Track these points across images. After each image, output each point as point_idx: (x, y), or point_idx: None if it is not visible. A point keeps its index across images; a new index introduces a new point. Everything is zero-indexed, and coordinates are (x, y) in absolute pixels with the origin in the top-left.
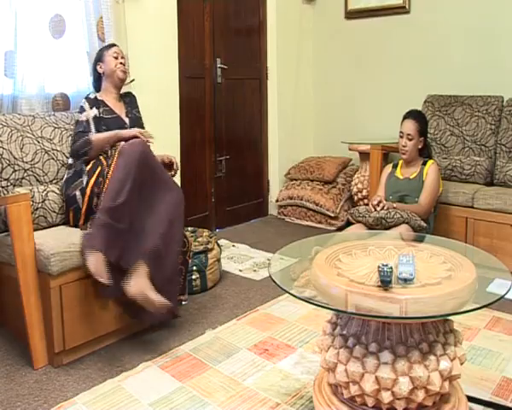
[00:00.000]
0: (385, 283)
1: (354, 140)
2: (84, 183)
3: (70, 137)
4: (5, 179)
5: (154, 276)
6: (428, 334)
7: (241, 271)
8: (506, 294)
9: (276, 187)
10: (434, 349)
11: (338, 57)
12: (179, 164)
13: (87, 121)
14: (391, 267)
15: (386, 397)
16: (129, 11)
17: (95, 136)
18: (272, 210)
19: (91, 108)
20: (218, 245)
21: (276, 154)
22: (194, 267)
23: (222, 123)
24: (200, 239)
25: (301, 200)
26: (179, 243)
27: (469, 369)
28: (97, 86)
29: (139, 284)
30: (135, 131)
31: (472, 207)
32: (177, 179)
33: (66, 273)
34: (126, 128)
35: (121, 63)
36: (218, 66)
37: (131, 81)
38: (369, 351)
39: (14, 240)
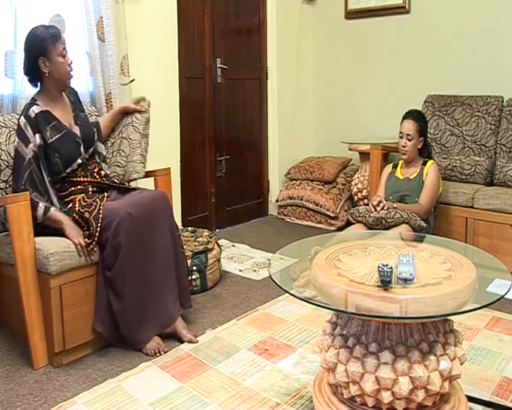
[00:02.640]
0: (385, 283)
1: (354, 140)
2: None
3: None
4: (3, 181)
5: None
6: (428, 334)
7: (241, 271)
8: (506, 294)
9: (276, 187)
10: (434, 349)
11: (338, 57)
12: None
13: (35, 157)
14: (391, 267)
15: (386, 397)
16: (129, 11)
17: (53, 214)
18: (272, 210)
19: (34, 134)
20: (218, 245)
21: (276, 154)
22: (194, 267)
23: (222, 123)
24: (200, 239)
25: (301, 200)
26: (183, 253)
27: (469, 369)
28: (34, 82)
29: (156, 341)
30: (76, 239)
31: (472, 207)
32: (178, 179)
33: (66, 273)
34: (79, 142)
35: (70, 64)
36: (218, 66)
37: (131, 81)
38: (369, 351)
39: (14, 240)
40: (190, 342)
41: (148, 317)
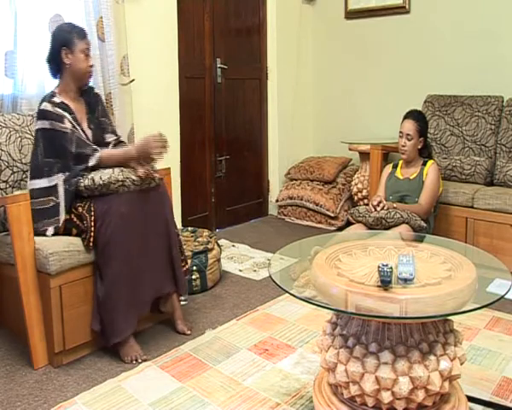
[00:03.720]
0: (385, 283)
1: (354, 140)
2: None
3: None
4: (4, 181)
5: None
6: (428, 334)
7: (241, 271)
8: (506, 294)
9: (276, 187)
10: (434, 349)
11: (338, 57)
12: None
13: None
14: (391, 267)
15: (386, 397)
16: (129, 11)
17: (105, 153)
18: (272, 210)
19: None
20: (218, 245)
21: (276, 154)
22: (194, 267)
23: (222, 123)
24: (200, 239)
25: (301, 200)
26: (178, 236)
27: (469, 369)
28: (54, 73)
29: (134, 348)
30: (144, 147)
31: (472, 207)
32: (178, 179)
33: (66, 273)
34: (89, 144)
35: (91, 66)
36: (218, 66)
37: (131, 81)
38: (369, 351)
39: (14, 240)
40: (183, 333)
41: (134, 300)
